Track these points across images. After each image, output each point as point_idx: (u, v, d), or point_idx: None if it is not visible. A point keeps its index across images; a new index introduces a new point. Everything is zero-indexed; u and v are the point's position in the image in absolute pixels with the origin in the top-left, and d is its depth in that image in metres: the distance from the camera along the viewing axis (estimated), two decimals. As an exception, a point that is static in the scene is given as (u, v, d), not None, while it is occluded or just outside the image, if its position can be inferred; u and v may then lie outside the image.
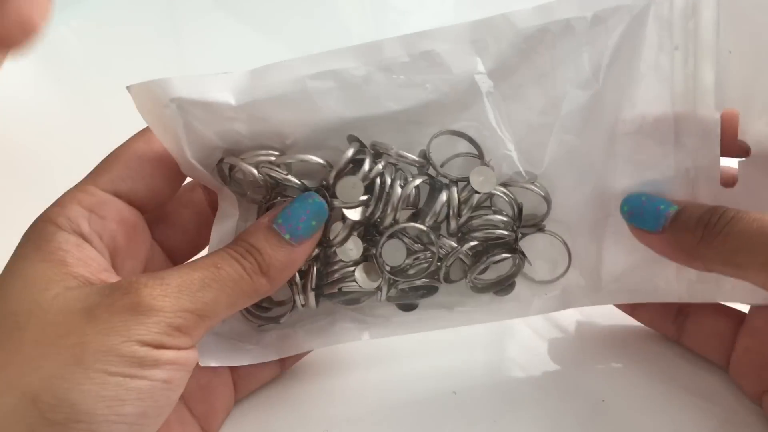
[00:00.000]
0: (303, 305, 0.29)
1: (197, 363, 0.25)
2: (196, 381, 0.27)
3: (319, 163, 0.28)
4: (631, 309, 0.32)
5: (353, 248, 0.28)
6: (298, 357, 0.31)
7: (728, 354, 0.30)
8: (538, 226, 0.30)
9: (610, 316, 0.33)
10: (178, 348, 0.23)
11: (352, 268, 0.28)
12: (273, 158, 0.27)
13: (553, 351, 0.33)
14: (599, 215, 0.30)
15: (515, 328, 0.34)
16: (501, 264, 0.30)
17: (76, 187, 0.26)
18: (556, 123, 0.29)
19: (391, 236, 0.28)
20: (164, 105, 0.25)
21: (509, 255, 0.29)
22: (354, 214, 0.27)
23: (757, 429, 0.29)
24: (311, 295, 0.29)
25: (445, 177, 0.28)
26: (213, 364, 0.27)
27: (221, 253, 0.25)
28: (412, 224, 0.28)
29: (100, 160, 0.27)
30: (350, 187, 0.27)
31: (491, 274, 0.31)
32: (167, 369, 0.23)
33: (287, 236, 0.25)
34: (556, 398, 0.31)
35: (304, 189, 0.27)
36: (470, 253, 0.29)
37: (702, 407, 0.30)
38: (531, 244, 0.30)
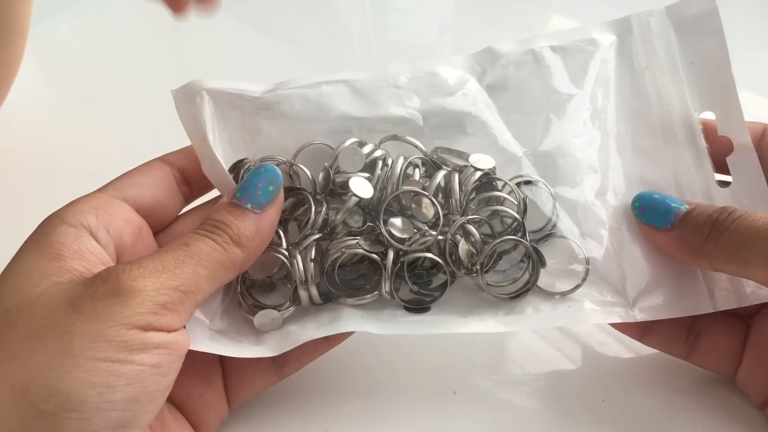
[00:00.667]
0: (308, 299, 0.29)
1: (188, 352, 0.25)
2: (186, 391, 0.27)
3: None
4: (640, 335, 0.30)
5: (358, 220, 0.29)
6: (297, 365, 0.30)
7: (737, 366, 0.30)
8: (547, 231, 0.30)
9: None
10: (167, 329, 0.23)
11: (354, 241, 0.29)
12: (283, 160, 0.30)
13: (553, 351, 0.33)
14: (612, 225, 0.30)
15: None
16: (516, 269, 0.30)
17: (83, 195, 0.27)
18: (557, 134, 0.31)
19: (397, 214, 0.29)
20: (196, 94, 0.29)
21: (519, 240, 0.29)
22: (364, 191, 0.29)
23: (758, 430, 0.29)
24: (313, 289, 0.29)
25: (446, 164, 0.30)
26: (202, 349, 0.27)
27: (189, 234, 0.26)
28: (410, 188, 0.29)
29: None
30: (351, 156, 0.29)
31: (506, 281, 0.30)
32: (156, 353, 0.23)
33: (249, 206, 0.26)
34: (556, 398, 0.31)
35: (314, 190, 0.30)
36: (479, 240, 0.29)
37: (702, 407, 0.30)
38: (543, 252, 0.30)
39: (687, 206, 0.28)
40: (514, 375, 0.32)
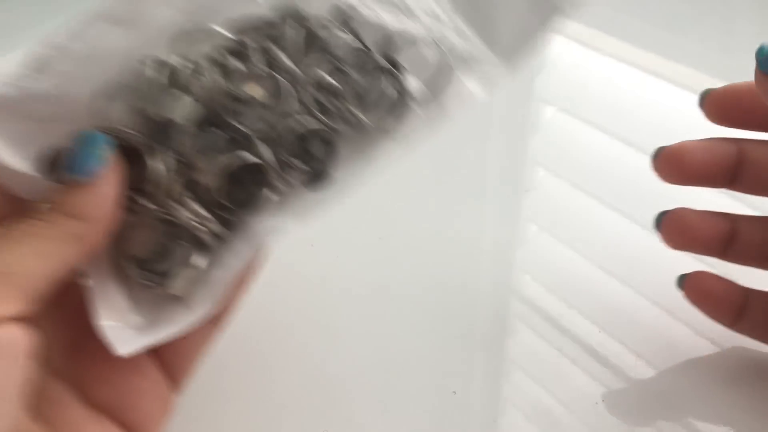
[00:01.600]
0: (210, 237, 0.26)
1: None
2: (116, 391, 0.25)
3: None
4: (732, 321, 0.29)
5: (208, 138, 0.26)
6: (229, 306, 0.26)
7: None
8: (387, 45, 0.28)
9: (609, 315, 0.33)
10: None
11: (223, 156, 0.26)
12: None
13: (553, 351, 0.33)
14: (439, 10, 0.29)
15: (516, 328, 0.34)
16: (386, 94, 0.28)
17: None
18: None
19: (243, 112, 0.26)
20: None
21: (374, 59, 0.27)
22: (181, 112, 0.25)
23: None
24: (210, 224, 0.26)
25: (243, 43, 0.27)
26: (139, 348, 0.23)
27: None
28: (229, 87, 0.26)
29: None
30: (147, 90, 0.26)
31: (386, 109, 0.28)
32: None
33: (76, 177, 0.23)
34: (555, 398, 0.31)
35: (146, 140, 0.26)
36: (339, 87, 0.27)
37: (701, 407, 0.30)
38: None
39: None
40: (513, 375, 0.32)
